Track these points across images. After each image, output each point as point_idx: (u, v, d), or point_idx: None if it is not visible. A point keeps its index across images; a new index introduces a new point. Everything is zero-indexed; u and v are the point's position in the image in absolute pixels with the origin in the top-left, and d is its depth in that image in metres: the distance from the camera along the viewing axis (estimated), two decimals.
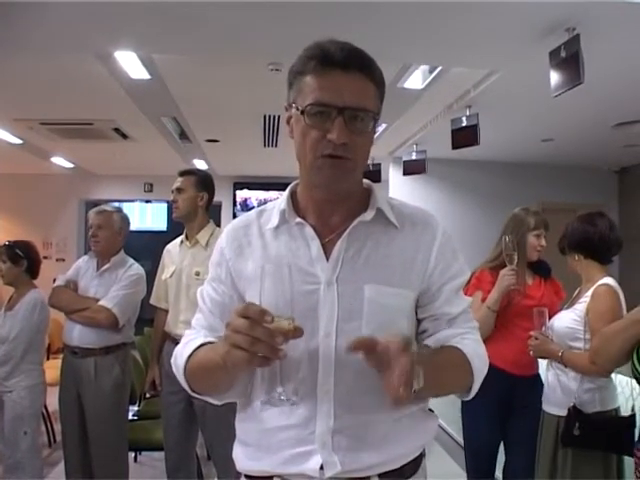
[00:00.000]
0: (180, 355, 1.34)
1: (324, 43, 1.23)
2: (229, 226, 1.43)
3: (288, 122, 1.31)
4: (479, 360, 1.32)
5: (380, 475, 1.26)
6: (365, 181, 1.39)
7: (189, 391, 1.35)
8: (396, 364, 1.06)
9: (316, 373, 1.25)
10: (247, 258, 1.34)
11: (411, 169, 6.77)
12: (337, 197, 1.31)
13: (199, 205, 3.35)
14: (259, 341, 1.05)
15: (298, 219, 1.33)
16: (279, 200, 1.38)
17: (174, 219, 3.42)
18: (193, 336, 1.37)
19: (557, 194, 7.28)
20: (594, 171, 7.61)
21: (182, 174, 3.42)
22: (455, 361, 1.30)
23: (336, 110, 1.20)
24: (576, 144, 6.37)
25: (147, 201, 10.54)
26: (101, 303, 3.44)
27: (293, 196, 1.38)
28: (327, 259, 1.29)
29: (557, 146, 6.40)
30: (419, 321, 1.36)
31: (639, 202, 7.46)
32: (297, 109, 1.25)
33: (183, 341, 1.38)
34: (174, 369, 1.37)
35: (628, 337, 2.22)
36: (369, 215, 1.32)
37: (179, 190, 3.35)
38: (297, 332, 1.10)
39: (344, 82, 1.21)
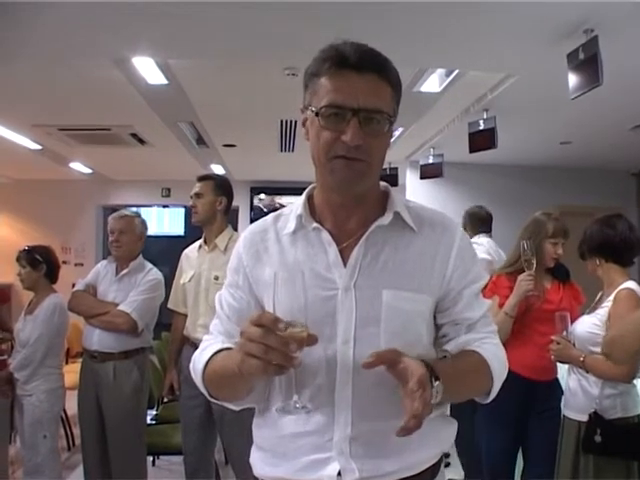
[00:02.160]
0: (198, 361, 1.34)
1: (339, 44, 1.22)
2: (246, 231, 1.43)
3: (304, 124, 1.30)
4: (499, 363, 1.32)
5: None
6: (382, 184, 1.37)
7: (208, 397, 1.35)
8: (413, 398, 1.07)
9: (334, 380, 1.24)
10: (264, 264, 1.34)
11: (428, 173, 6.74)
12: (352, 200, 1.30)
13: (218, 210, 3.37)
14: (273, 349, 1.05)
15: (315, 224, 1.32)
16: (296, 204, 1.37)
17: (193, 224, 3.45)
18: (211, 342, 1.37)
19: (575, 197, 7.20)
20: (612, 174, 7.50)
21: (200, 179, 3.44)
22: (475, 366, 1.29)
23: (351, 112, 1.19)
24: (594, 147, 6.31)
25: (164, 206, 10.60)
26: (120, 308, 3.46)
27: (310, 200, 1.37)
28: (344, 264, 1.28)
29: (575, 149, 6.34)
30: (439, 326, 1.35)
31: None
32: (312, 111, 1.24)
33: (201, 347, 1.38)
34: (192, 375, 1.37)
35: None
36: (386, 219, 1.30)
37: (198, 195, 3.37)
38: (310, 340, 1.09)
39: (358, 83, 1.20)
